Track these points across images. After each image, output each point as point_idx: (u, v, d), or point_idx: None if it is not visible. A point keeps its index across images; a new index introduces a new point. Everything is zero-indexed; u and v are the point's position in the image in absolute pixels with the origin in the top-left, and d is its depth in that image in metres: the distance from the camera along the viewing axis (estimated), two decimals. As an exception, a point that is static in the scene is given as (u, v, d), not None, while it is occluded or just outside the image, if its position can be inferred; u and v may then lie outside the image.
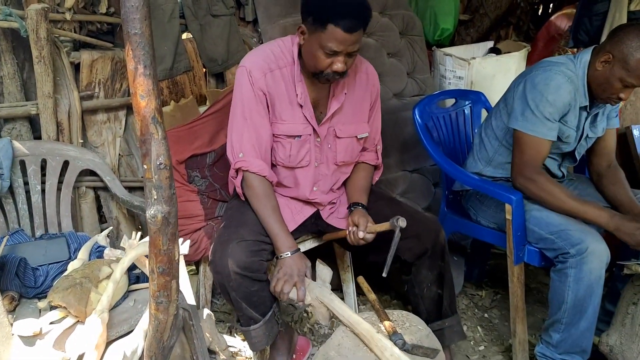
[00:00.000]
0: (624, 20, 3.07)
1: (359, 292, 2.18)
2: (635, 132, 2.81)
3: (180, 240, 1.51)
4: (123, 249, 1.80)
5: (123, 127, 2.34)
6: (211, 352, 1.92)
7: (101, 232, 2.03)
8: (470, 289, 2.72)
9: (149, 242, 1.10)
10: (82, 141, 2.20)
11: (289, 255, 1.72)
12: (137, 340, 1.42)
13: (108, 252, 1.78)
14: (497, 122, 2.16)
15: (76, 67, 2.17)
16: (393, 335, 1.54)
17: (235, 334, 2.25)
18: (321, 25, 1.62)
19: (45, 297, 1.61)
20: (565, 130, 2.00)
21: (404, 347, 1.51)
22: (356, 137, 1.94)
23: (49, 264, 1.76)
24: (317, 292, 1.68)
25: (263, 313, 1.75)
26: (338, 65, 1.67)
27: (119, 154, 2.35)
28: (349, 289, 2.35)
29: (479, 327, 2.43)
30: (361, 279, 1.86)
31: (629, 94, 1.89)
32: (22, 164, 2.01)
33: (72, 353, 1.37)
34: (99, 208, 2.32)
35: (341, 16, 1.59)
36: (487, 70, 2.96)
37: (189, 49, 2.50)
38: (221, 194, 2.22)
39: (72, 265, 1.71)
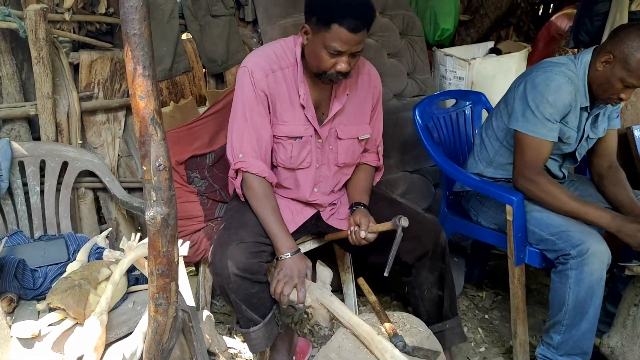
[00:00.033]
0: (625, 21, 3.07)
1: (360, 293, 2.18)
2: (636, 133, 2.80)
3: (180, 241, 1.50)
4: (122, 250, 1.79)
5: (122, 128, 2.34)
6: (211, 353, 1.91)
7: (100, 233, 2.03)
8: (471, 290, 2.71)
9: (148, 244, 1.09)
10: (81, 142, 2.20)
11: (289, 256, 1.71)
12: (136, 342, 1.41)
13: (107, 254, 1.77)
14: (498, 123, 2.15)
15: (75, 68, 2.16)
16: (393, 337, 1.54)
17: (235, 336, 2.25)
18: (325, 25, 1.61)
19: (44, 298, 1.60)
20: (566, 131, 1.99)
21: (405, 349, 1.51)
22: (358, 138, 1.93)
23: (48, 265, 1.76)
24: (317, 294, 1.67)
25: (263, 315, 1.75)
26: (342, 66, 1.66)
27: (118, 155, 2.34)
28: (350, 290, 2.34)
29: (479, 329, 2.42)
30: (361, 281, 1.86)
31: (629, 94, 1.88)
32: (21, 164, 2.00)
33: (71, 355, 1.36)
34: (98, 209, 2.31)
35: (345, 16, 1.58)
36: (488, 71, 2.96)
37: (188, 49, 2.49)
38: (221, 195, 2.22)
39: (71, 267, 1.71)
